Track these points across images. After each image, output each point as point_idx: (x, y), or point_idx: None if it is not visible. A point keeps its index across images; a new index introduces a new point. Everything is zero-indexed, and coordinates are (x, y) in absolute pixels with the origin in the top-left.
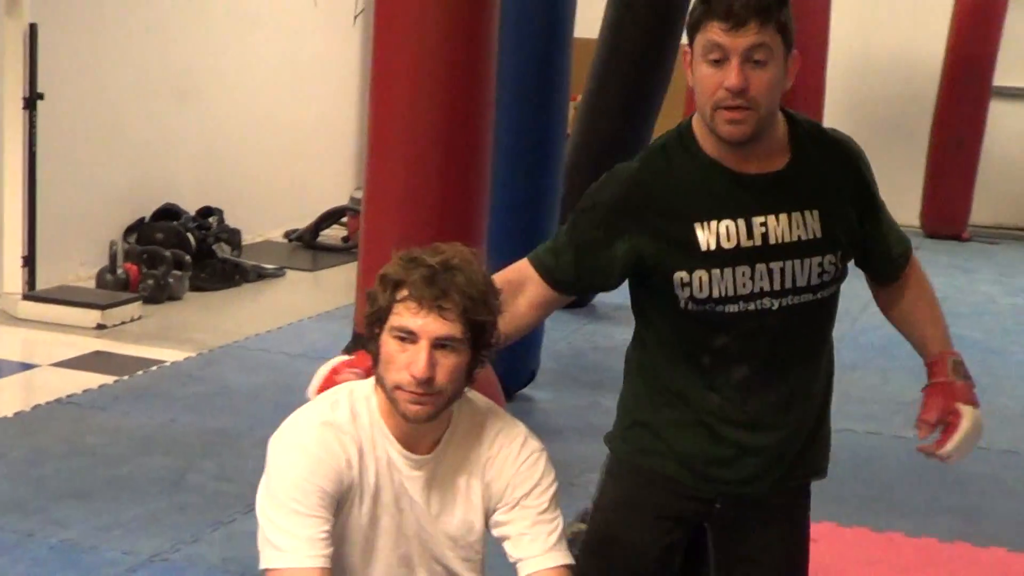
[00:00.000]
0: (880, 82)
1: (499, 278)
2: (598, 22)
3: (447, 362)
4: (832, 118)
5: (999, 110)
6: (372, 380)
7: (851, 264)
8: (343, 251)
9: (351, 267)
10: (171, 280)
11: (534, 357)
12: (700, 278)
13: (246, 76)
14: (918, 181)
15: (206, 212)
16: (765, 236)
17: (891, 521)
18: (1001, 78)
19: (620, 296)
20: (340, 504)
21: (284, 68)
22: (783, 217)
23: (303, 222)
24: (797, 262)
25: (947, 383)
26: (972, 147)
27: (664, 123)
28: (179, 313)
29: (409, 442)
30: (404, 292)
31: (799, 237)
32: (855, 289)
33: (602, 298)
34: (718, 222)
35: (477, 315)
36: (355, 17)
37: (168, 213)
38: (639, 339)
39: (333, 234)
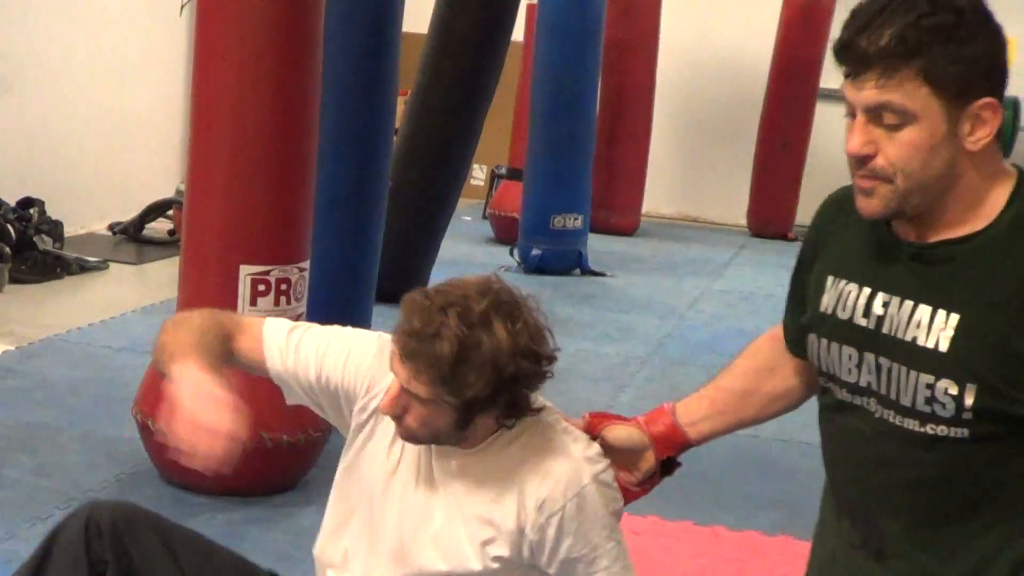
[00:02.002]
0: (709, 84)
1: (767, 335)
2: (428, 17)
3: (416, 411)
4: (662, 118)
5: (825, 113)
6: None
7: None
8: (169, 244)
9: (177, 260)
10: None
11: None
12: (813, 342)
13: (70, 65)
14: (745, 181)
15: (27, 203)
16: (880, 320)
17: (715, 515)
18: (827, 81)
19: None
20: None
21: (109, 58)
22: (908, 304)
23: (128, 214)
24: (903, 370)
25: None
26: (798, 149)
27: (494, 120)
28: None
29: None
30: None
31: (914, 338)
32: (682, 287)
33: None
34: (847, 283)
35: (450, 386)
36: (181, 8)
37: None
38: None
39: (159, 227)
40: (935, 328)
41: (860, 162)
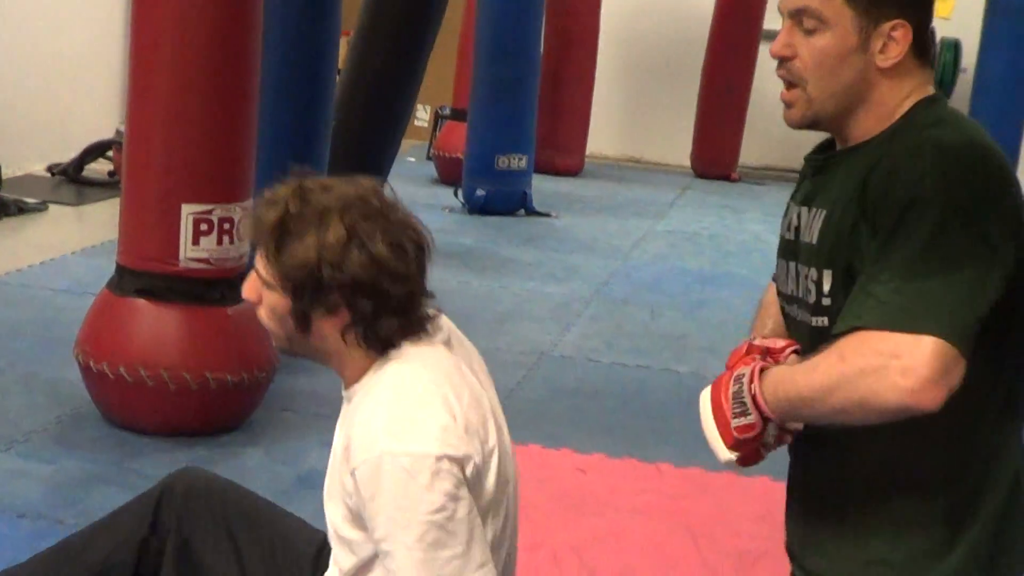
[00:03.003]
0: (653, 25)
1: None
2: None
3: (263, 297)
4: (606, 59)
5: (768, 54)
6: None
7: None
8: (109, 185)
9: (118, 201)
10: None
11: None
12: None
13: (5, 5)
14: (689, 123)
15: None
16: (797, 231)
17: (659, 452)
18: (771, 22)
19: None
20: None
21: None
22: (804, 211)
23: (67, 156)
24: (800, 267)
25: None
26: (741, 90)
27: (437, 60)
28: None
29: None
30: None
31: (804, 238)
32: (626, 227)
33: None
34: (793, 204)
35: (271, 259)
36: None
37: None
38: None
39: (99, 168)
40: (813, 225)
41: (780, 64)
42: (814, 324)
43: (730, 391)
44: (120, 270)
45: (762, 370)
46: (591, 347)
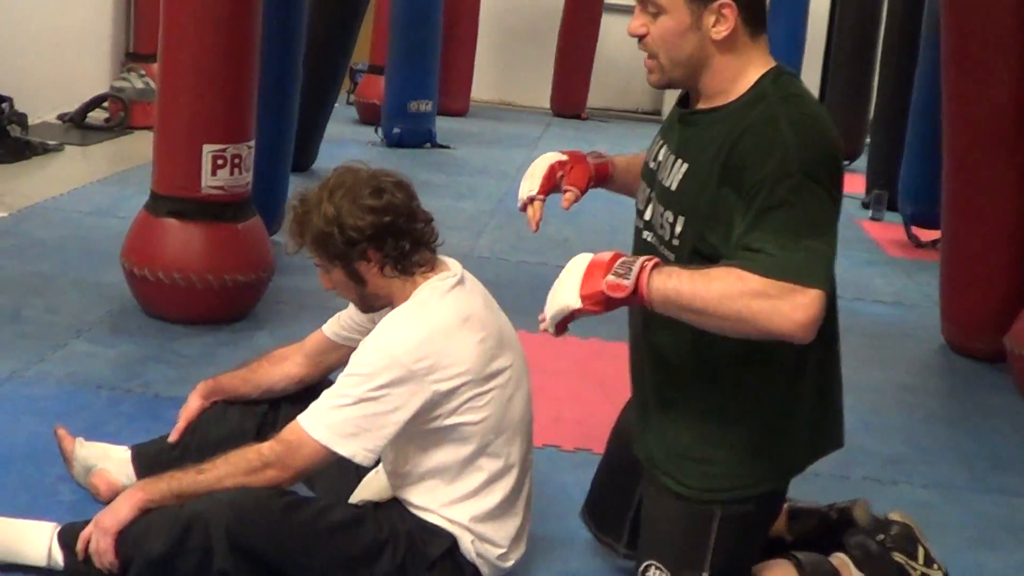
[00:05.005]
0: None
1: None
2: None
3: (334, 281)
4: (485, 26)
5: (608, 22)
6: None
7: None
8: (107, 130)
9: (116, 142)
10: None
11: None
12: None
13: None
14: (548, 75)
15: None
16: (658, 164)
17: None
18: None
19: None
20: None
21: None
22: (670, 156)
23: (73, 106)
24: (656, 201)
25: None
26: (588, 50)
27: None
28: None
29: None
30: None
31: (663, 179)
32: (509, 155)
33: (323, 164)
34: (658, 138)
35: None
36: None
37: None
38: None
39: (97, 116)
40: (674, 173)
41: (640, 40)
42: (661, 253)
43: (620, 258)
44: (154, 196)
45: (656, 265)
46: (500, 249)
